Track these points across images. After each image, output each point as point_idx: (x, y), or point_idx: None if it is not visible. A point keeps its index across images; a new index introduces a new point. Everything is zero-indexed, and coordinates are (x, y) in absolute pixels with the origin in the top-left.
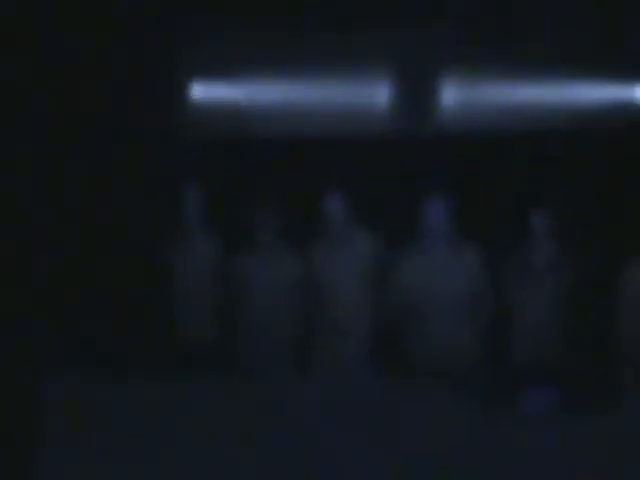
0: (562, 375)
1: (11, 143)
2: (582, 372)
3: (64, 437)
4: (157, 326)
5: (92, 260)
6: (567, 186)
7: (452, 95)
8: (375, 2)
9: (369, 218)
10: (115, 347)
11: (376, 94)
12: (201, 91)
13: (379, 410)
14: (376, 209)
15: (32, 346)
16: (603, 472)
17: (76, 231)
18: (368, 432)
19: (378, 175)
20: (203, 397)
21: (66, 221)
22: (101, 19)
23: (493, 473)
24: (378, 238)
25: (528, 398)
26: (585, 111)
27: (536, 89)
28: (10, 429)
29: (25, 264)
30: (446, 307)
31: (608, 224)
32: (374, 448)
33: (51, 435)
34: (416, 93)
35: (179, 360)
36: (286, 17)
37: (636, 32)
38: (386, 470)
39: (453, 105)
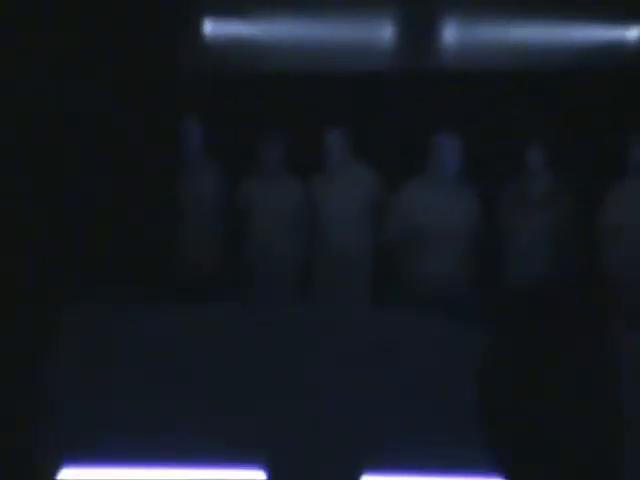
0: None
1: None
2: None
3: (79, 359)
4: (165, 253)
5: (101, 191)
6: (563, 122)
7: (454, 32)
8: None
9: (370, 154)
10: (124, 275)
11: (379, 30)
12: (210, 28)
13: (377, 335)
14: (377, 145)
15: (47, 271)
16: None
17: (83, 162)
18: (366, 357)
19: (380, 111)
20: (208, 320)
21: (74, 156)
22: None
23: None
24: (378, 173)
25: None
26: (582, 50)
27: (536, 28)
28: (26, 353)
29: (40, 190)
30: (444, 237)
31: (602, 158)
32: (371, 372)
33: (66, 357)
34: (418, 30)
35: (185, 286)
36: None
37: None
38: (381, 395)
39: (455, 42)
